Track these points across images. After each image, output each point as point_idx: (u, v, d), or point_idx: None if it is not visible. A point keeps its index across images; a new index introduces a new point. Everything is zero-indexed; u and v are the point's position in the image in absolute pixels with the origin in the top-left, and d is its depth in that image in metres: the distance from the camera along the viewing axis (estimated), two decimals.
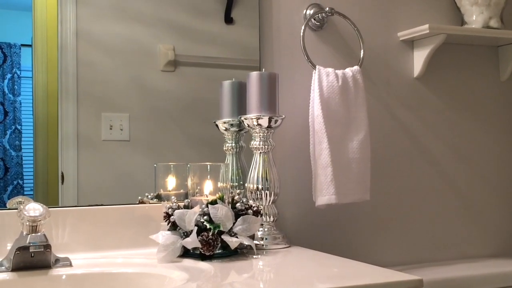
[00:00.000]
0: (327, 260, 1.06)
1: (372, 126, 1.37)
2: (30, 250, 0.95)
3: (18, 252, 0.95)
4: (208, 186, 1.13)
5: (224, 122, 1.26)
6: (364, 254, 1.38)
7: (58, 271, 0.98)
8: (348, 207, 1.38)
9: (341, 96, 1.29)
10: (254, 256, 1.07)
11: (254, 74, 1.19)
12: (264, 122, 1.18)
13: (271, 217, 1.20)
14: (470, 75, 1.55)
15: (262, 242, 1.16)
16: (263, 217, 1.18)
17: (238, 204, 1.10)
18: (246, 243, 1.06)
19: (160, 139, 1.24)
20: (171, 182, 1.22)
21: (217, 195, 1.10)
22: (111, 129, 1.20)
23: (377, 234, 1.43)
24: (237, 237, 1.06)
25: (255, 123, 1.19)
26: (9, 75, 1.17)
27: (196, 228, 1.04)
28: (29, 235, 0.96)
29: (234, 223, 1.07)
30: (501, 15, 1.49)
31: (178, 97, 1.26)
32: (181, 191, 1.21)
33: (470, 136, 1.54)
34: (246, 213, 1.09)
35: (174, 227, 1.07)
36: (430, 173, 1.50)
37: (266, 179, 1.18)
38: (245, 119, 1.20)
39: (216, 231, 1.04)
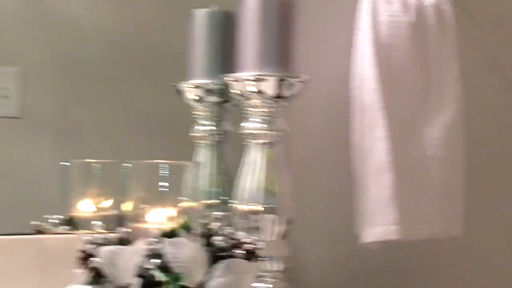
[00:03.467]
0: None
1: (469, 101, 1.36)
2: None
3: None
4: (162, 203, 1.13)
5: (195, 87, 1.27)
6: None
7: None
8: (422, 248, 1.39)
9: (414, 44, 1.30)
10: None
11: None
12: (269, 86, 1.18)
13: (281, 263, 1.20)
14: None
15: None
16: (264, 262, 1.17)
17: (217, 239, 1.09)
18: None
19: (77, 116, 1.27)
20: (95, 194, 1.25)
21: (179, 222, 1.09)
22: None
23: None
24: None
25: (253, 88, 1.18)
26: None
27: (138, 281, 1.03)
28: None
29: (209, 273, 1.06)
30: None
31: (113, 40, 1.29)
32: (113, 212, 1.23)
33: None
34: (232, 256, 1.08)
35: (98, 278, 1.07)
36: None
37: (272, 194, 1.18)
38: (234, 81, 1.20)
39: (175, 287, 1.02)
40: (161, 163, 1.13)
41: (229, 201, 1.24)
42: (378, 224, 1.24)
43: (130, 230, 1.11)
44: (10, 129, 1.24)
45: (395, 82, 1.28)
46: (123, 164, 1.14)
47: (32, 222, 1.21)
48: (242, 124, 1.22)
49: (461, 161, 1.32)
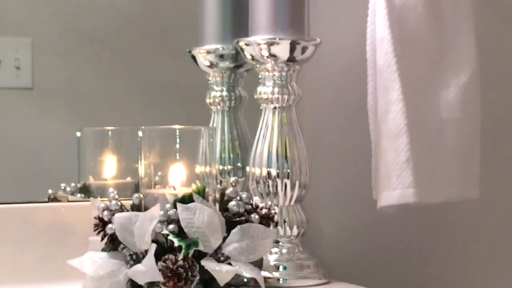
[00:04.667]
0: None
1: (485, 60, 1.34)
2: None
3: None
4: (177, 169, 1.13)
5: (208, 52, 1.27)
6: None
7: None
8: (437, 212, 1.39)
9: (428, 4, 1.27)
10: None
11: None
12: (282, 50, 1.18)
13: (295, 228, 1.21)
14: None
15: (277, 274, 1.18)
16: (279, 227, 1.19)
17: (232, 204, 1.09)
18: (248, 276, 1.07)
19: (88, 86, 1.28)
20: (108, 162, 1.25)
21: (194, 187, 1.09)
22: None
23: (488, 263, 1.46)
24: (230, 264, 1.05)
25: (265, 52, 1.18)
26: None
27: (154, 246, 1.04)
28: None
29: (225, 239, 1.07)
30: None
31: (123, 8, 1.29)
32: (128, 179, 1.25)
33: None
34: (248, 220, 1.09)
35: (114, 244, 1.08)
36: None
37: (286, 158, 1.19)
38: (247, 45, 1.20)
39: (191, 252, 1.03)
40: (175, 128, 1.13)
41: (244, 166, 1.25)
42: (394, 188, 1.22)
43: (144, 196, 1.11)
44: (22, 100, 1.25)
45: (409, 44, 1.26)
46: (137, 130, 1.15)
47: (49, 191, 1.22)
48: (257, 90, 1.22)
49: (478, 122, 1.31)
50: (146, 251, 1.04)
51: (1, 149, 1.23)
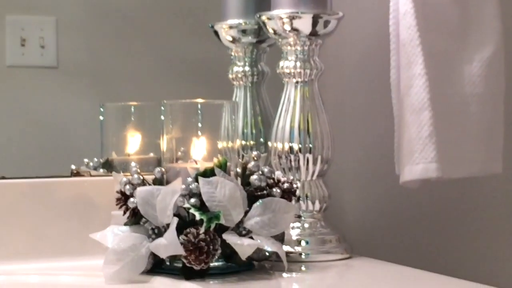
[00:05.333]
0: (418, 280, 1.08)
1: (510, 35, 1.33)
2: None
3: None
4: (199, 144, 1.13)
5: (230, 27, 1.27)
6: (485, 271, 1.39)
7: None
8: (461, 187, 1.37)
9: None
10: (285, 275, 1.09)
11: None
12: (305, 24, 1.18)
13: (317, 203, 1.21)
14: None
15: (299, 249, 1.18)
16: (301, 202, 1.19)
17: (254, 178, 1.09)
18: (270, 250, 1.06)
19: (112, 63, 1.29)
20: (131, 138, 1.26)
21: (216, 161, 1.09)
22: (23, 45, 1.24)
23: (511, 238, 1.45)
24: (252, 238, 1.05)
25: (288, 26, 1.18)
26: None
27: (176, 220, 1.03)
28: None
29: (246, 213, 1.07)
30: None
31: None
32: (150, 154, 1.26)
33: None
34: (270, 195, 1.09)
35: (136, 218, 1.08)
36: None
37: (308, 133, 1.19)
38: (269, 19, 1.20)
39: (213, 226, 1.02)
40: (197, 102, 1.13)
41: (266, 141, 1.25)
42: (417, 162, 1.21)
43: (166, 170, 1.11)
44: (47, 78, 1.26)
45: (433, 18, 1.25)
46: (159, 106, 1.15)
47: (72, 166, 1.23)
48: (279, 64, 1.22)
49: (501, 97, 1.30)
50: (168, 225, 1.04)
51: (26, 126, 1.24)
